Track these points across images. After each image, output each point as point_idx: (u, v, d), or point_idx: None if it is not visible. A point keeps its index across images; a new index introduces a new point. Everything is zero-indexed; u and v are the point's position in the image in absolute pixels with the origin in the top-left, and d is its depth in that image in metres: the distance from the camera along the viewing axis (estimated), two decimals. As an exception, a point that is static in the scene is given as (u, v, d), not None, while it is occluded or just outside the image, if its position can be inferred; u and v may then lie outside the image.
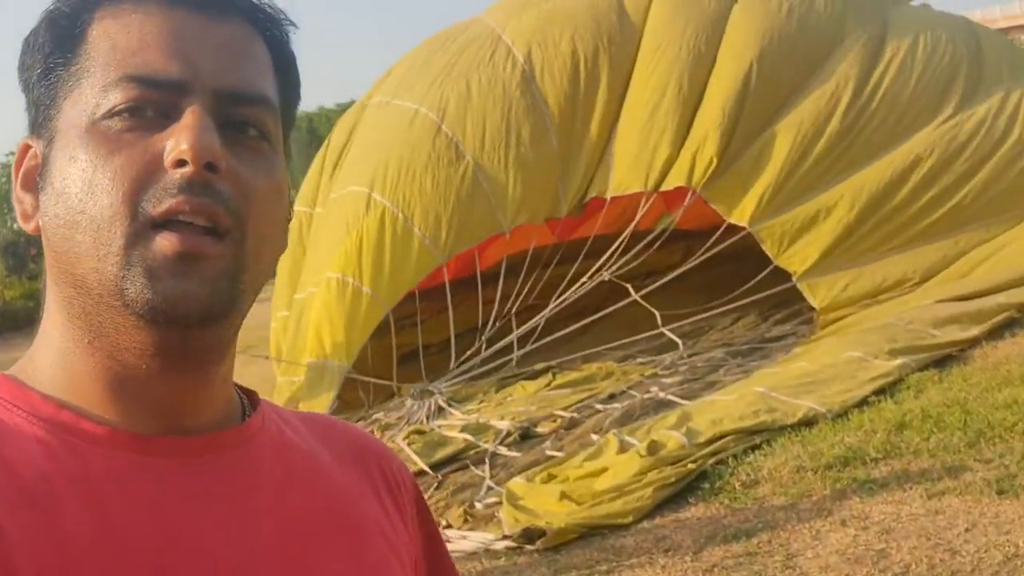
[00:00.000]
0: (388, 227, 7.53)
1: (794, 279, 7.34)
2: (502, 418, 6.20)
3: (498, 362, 7.36)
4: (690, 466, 4.78)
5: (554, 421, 6.04)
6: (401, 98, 8.38)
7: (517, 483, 4.93)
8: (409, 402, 6.86)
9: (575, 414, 6.14)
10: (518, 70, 8.08)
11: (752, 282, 7.58)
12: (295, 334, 7.76)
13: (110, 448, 0.64)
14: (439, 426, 6.26)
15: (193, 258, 0.62)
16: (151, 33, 0.65)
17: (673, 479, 4.65)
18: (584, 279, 7.63)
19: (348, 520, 0.73)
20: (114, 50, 0.65)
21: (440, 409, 6.62)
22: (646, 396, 6.21)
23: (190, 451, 0.66)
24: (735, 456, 4.87)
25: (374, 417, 6.91)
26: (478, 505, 4.98)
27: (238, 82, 0.66)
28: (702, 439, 4.94)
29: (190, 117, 0.63)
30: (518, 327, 7.50)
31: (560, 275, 7.83)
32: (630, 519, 4.43)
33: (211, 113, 0.64)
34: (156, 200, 0.62)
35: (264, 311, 8.56)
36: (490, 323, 7.53)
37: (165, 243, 0.61)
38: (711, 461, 4.82)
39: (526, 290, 7.66)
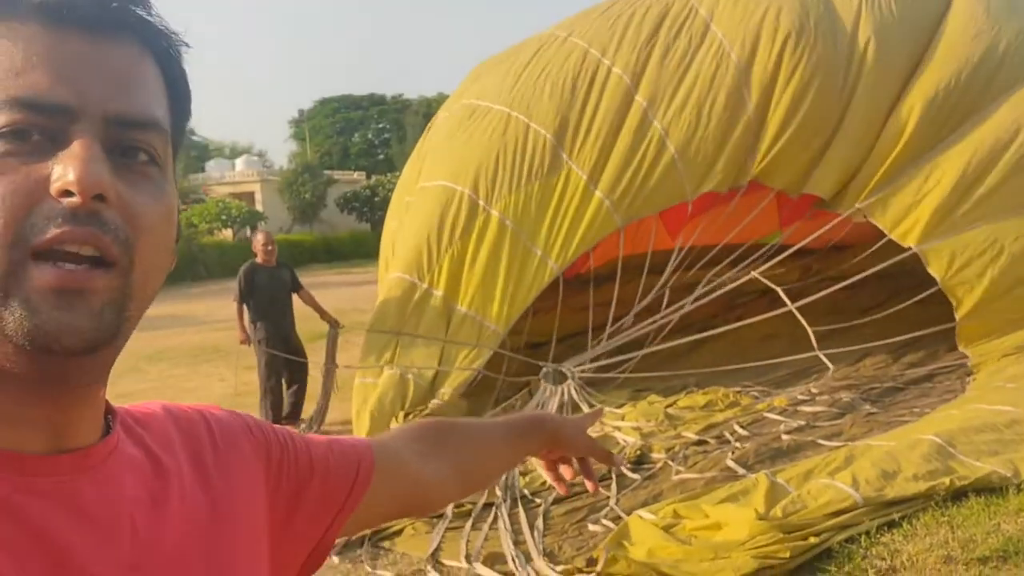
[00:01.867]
0: (571, 187, 7.44)
1: (956, 313, 6.89)
2: (636, 430, 6.20)
3: (624, 356, 7.38)
4: (811, 540, 4.08)
5: (676, 444, 5.83)
6: (591, 53, 8.07)
7: (639, 519, 4.48)
8: (543, 384, 6.84)
9: (708, 439, 5.94)
10: (715, 42, 7.82)
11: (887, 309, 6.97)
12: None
13: None
14: None
15: (75, 293, 0.60)
16: (37, 54, 0.62)
17: (787, 554, 3.95)
18: (701, 287, 7.69)
19: (200, 523, 0.74)
20: None
21: (574, 406, 6.61)
22: (784, 430, 5.94)
23: (61, 470, 0.66)
24: (868, 533, 4.14)
25: (506, 404, 6.91)
26: (591, 527, 4.78)
27: (128, 107, 0.65)
28: (872, 494, 4.34)
29: (78, 147, 0.61)
30: (636, 329, 7.50)
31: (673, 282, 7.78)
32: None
33: (100, 139, 0.63)
34: (40, 229, 0.60)
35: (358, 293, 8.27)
36: (608, 323, 7.53)
37: (43, 277, 0.60)
38: (839, 538, 4.10)
39: (639, 293, 7.73)
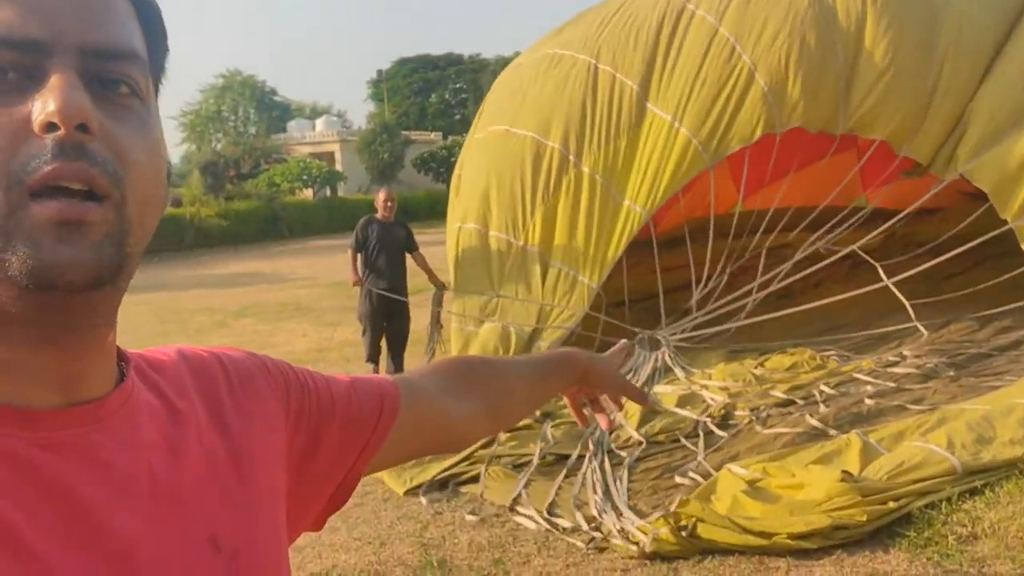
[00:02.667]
0: (655, 130, 7.32)
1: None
2: (723, 389, 6.21)
3: (717, 328, 7.33)
4: (890, 504, 4.06)
5: (761, 403, 5.85)
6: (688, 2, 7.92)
7: (729, 472, 4.57)
8: (637, 350, 6.84)
9: (795, 399, 5.92)
10: None
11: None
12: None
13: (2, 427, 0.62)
14: (657, 394, 6.26)
15: (75, 225, 0.60)
16: None
17: (864, 517, 3.95)
18: (802, 252, 7.58)
19: (220, 464, 0.74)
20: None
21: (667, 369, 6.66)
22: (869, 392, 5.89)
23: (74, 423, 0.65)
24: (949, 500, 4.10)
25: None
26: (678, 479, 4.86)
27: (103, 38, 0.63)
28: (968, 458, 4.28)
29: (56, 79, 0.60)
30: (728, 292, 7.40)
31: (744, 246, 7.71)
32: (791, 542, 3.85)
33: (78, 72, 0.61)
34: (30, 168, 0.59)
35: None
36: (695, 288, 7.47)
37: (44, 211, 0.59)
38: (919, 503, 4.08)
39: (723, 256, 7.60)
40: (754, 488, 4.40)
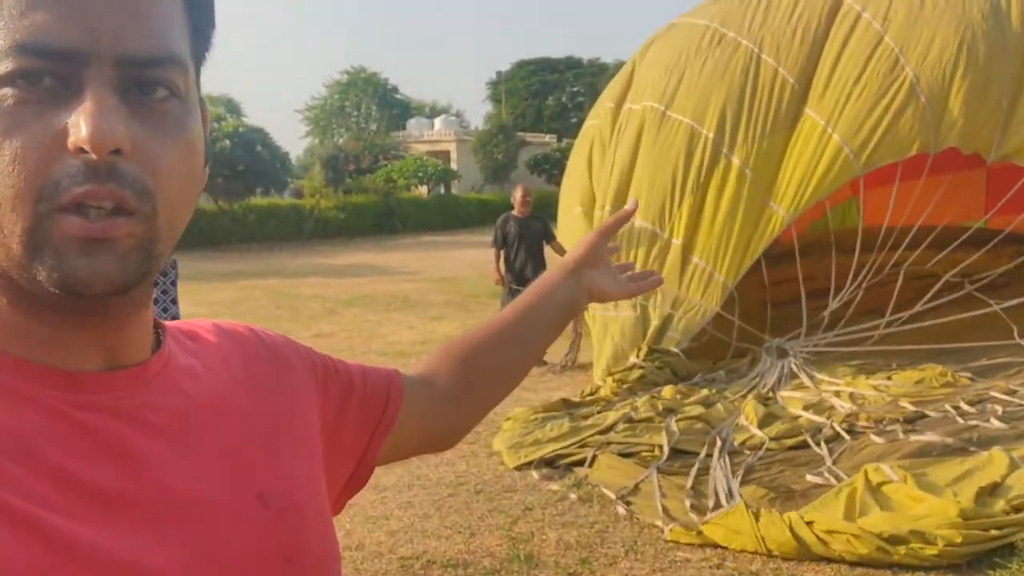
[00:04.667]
0: (806, 133, 7.27)
1: None
2: (851, 396, 6.17)
3: (843, 348, 7.19)
4: (992, 532, 3.91)
5: (887, 415, 5.76)
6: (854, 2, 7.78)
7: (873, 468, 4.57)
8: (764, 357, 6.90)
9: (928, 411, 5.81)
10: None
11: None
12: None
13: (47, 388, 0.64)
14: (783, 398, 6.29)
15: (100, 241, 0.61)
16: None
17: (959, 539, 3.83)
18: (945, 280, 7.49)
19: (261, 424, 0.77)
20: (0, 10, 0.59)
21: (793, 375, 6.67)
22: (1003, 412, 5.69)
23: (118, 385, 0.68)
24: (1059, 534, 3.92)
25: (721, 373, 6.95)
26: (809, 477, 4.89)
27: (142, 46, 0.62)
28: None
29: (91, 100, 0.59)
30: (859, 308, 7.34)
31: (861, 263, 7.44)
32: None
33: (114, 82, 0.61)
34: (61, 188, 0.59)
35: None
36: (842, 289, 7.34)
37: (71, 227, 0.60)
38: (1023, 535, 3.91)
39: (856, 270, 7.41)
40: (879, 491, 4.39)
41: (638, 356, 6.94)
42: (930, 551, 3.81)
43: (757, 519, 4.15)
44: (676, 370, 6.89)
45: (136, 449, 0.66)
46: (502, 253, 8.62)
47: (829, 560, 3.92)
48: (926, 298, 7.28)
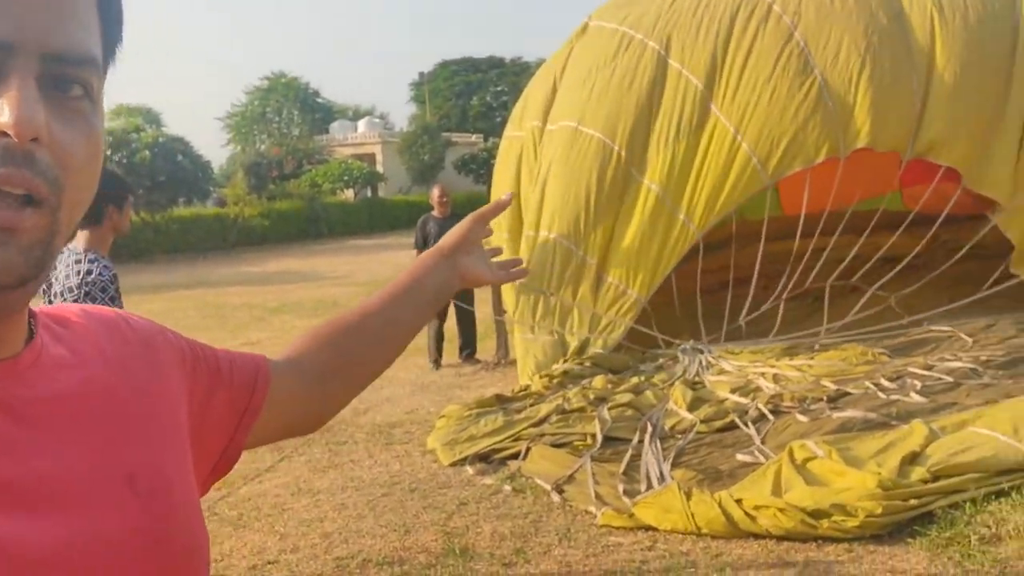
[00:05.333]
0: (716, 142, 7.25)
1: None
2: (774, 380, 6.29)
3: (763, 341, 7.32)
4: (912, 502, 4.06)
5: (810, 394, 5.92)
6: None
7: (799, 445, 4.67)
8: (680, 356, 7.03)
9: (850, 389, 5.96)
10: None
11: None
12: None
13: None
14: (710, 382, 6.40)
15: (8, 231, 0.62)
16: None
17: (879, 510, 3.96)
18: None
19: (130, 409, 0.78)
20: None
21: (710, 364, 6.84)
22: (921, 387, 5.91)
23: None
24: (973, 501, 4.09)
25: (648, 365, 7.01)
26: (739, 456, 5.02)
27: (64, 43, 0.65)
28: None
29: (15, 87, 0.62)
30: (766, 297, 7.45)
31: (786, 249, 7.56)
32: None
33: (36, 74, 0.63)
34: None
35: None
36: (749, 297, 7.43)
37: None
38: (942, 503, 4.07)
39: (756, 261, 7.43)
40: (804, 467, 4.49)
41: (564, 363, 6.97)
42: (852, 523, 3.94)
43: (688, 498, 4.24)
44: (603, 364, 6.97)
45: (7, 439, 0.66)
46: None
47: (756, 536, 4.03)
48: (834, 274, 7.42)
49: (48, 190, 0.63)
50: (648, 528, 4.20)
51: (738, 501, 4.17)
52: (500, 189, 8.83)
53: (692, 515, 4.13)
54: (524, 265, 1.37)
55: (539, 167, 8.13)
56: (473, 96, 58.46)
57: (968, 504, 4.05)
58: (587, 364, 6.93)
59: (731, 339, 7.37)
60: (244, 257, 25.49)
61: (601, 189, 7.41)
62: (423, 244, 8.51)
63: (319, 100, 54.39)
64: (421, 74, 59.20)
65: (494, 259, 1.27)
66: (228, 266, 22.81)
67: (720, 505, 4.14)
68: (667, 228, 7.25)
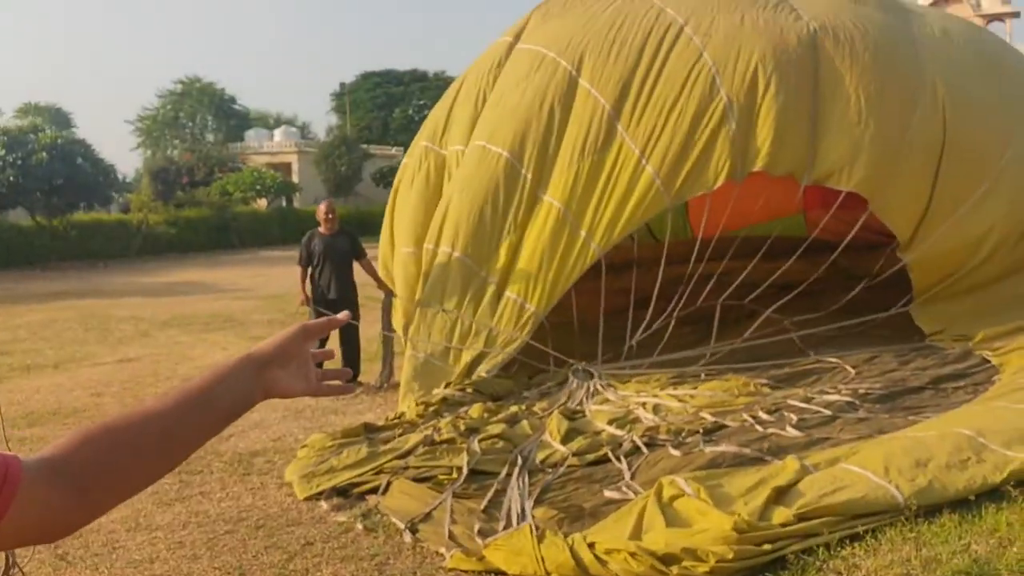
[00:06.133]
0: (620, 162, 7.17)
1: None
2: (654, 411, 6.20)
3: (648, 360, 7.27)
4: (765, 547, 3.94)
5: (687, 426, 5.82)
6: (666, 12, 7.71)
7: (668, 481, 4.49)
8: (570, 379, 6.93)
9: (727, 422, 5.86)
10: (802, 21, 7.56)
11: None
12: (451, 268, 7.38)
13: None
14: (591, 411, 6.27)
15: None
16: None
17: (730, 555, 3.83)
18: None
19: None
20: None
21: (598, 392, 6.72)
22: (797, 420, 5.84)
23: None
24: (828, 545, 3.98)
25: (533, 392, 6.88)
26: (607, 492, 4.83)
27: None
28: (906, 484, 4.26)
29: None
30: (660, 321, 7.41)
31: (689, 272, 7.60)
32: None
33: None
34: None
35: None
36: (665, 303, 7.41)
37: None
38: (796, 547, 3.95)
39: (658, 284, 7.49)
40: (669, 506, 4.34)
41: (445, 388, 6.76)
42: (702, 569, 3.79)
43: (540, 541, 4.05)
44: (484, 390, 6.77)
45: None
46: (308, 272, 8.30)
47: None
48: (722, 297, 7.43)
49: None
50: (499, 571, 4.00)
51: (591, 544, 4.00)
52: (400, 212, 8.56)
53: (542, 559, 3.95)
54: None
55: (443, 181, 8.05)
56: (395, 109, 58.09)
57: (822, 549, 3.94)
58: (468, 391, 6.73)
59: (629, 359, 7.30)
60: (146, 267, 24.66)
61: (508, 208, 7.31)
62: (308, 261, 8.24)
63: (235, 107, 53.40)
64: (342, 84, 58.63)
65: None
66: (127, 275, 22.02)
67: (571, 548, 3.96)
68: (568, 245, 7.16)
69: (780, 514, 4.24)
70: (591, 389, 6.78)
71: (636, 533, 4.17)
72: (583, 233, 7.12)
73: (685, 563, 3.81)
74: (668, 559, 3.84)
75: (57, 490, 0.93)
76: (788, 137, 7.18)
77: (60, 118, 48.65)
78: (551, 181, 7.26)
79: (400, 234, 8.33)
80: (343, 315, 1.22)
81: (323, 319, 1.18)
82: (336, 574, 4.04)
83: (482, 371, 6.92)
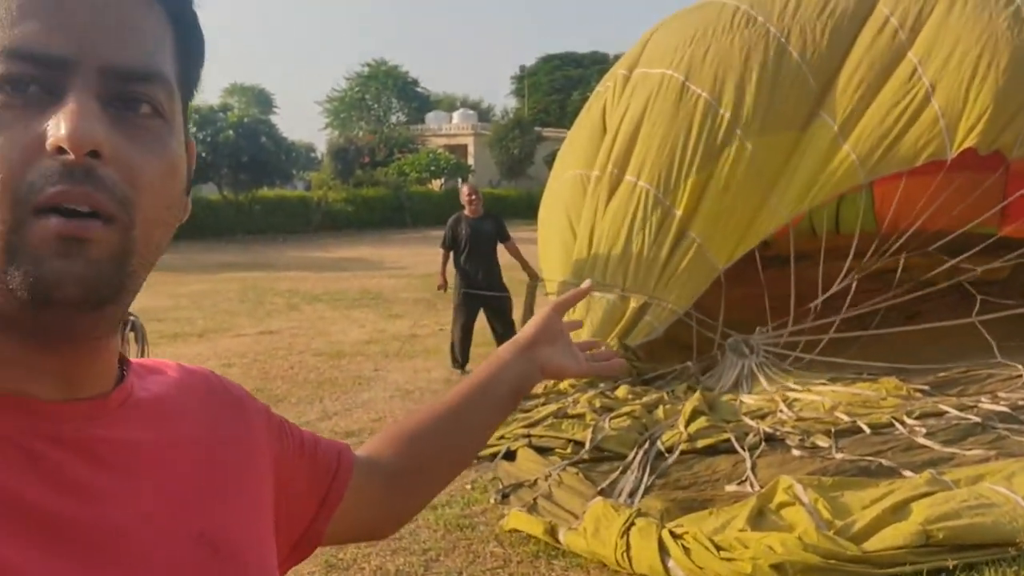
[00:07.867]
0: (818, 138, 7.11)
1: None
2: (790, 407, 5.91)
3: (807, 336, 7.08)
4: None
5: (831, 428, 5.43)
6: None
7: (785, 486, 4.17)
8: (728, 354, 6.77)
9: (862, 424, 5.45)
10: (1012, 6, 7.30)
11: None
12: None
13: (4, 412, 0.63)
14: (722, 401, 6.07)
15: (75, 240, 0.60)
16: (34, 1, 0.60)
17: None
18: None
19: (213, 465, 0.75)
20: None
21: (752, 375, 6.53)
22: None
23: (74, 416, 0.66)
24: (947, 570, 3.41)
25: (681, 372, 6.77)
26: (729, 487, 4.59)
27: (128, 59, 0.63)
28: None
29: (72, 101, 0.60)
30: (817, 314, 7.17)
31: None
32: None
33: (98, 92, 0.61)
34: (38, 187, 0.59)
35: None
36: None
37: (47, 225, 0.59)
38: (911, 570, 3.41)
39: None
40: (776, 513, 4.04)
41: (612, 345, 6.60)
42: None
43: (629, 528, 3.74)
44: (638, 369, 6.70)
45: (82, 482, 0.64)
46: (451, 255, 8.15)
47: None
48: (885, 296, 6.80)
49: (116, 208, 0.60)
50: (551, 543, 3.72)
51: (678, 536, 3.64)
52: (573, 139, 8.41)
53: (627, 548, 3.63)
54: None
55: (623, 107, 7.81)
56: (573, 91, 57.92)
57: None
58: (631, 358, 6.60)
59: (798, 323, 7.07)
60: (323, 243, 25.59)
61: (699, 144, 7.20)
62: (452, 243, 8.07)
63: (417, 90, 54.77)
64: (522, 67, 59.02)
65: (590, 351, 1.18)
66: (301, 250, 22.91)
67: (659, 539, 3.63)
68: (759, 204, 7.03)
69: (899, 531, 3.71)
70: (745, 370, 6.53)
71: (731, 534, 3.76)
72: (773, 198, 6.98)
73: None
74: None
75: (377, 484, 0.98)
76: (1001, 114, 6.84)
77: (263, 99, 51.47)
78: (750, 133, 7.09)
79: (566, 157, 8.24)
80: (586, 284, 1.21)
81: (570, 292, 1.18)
82: (382, 567, 3.82)
83: (647, 327, 6.79)
